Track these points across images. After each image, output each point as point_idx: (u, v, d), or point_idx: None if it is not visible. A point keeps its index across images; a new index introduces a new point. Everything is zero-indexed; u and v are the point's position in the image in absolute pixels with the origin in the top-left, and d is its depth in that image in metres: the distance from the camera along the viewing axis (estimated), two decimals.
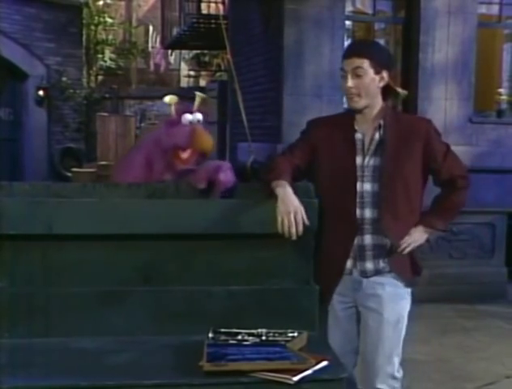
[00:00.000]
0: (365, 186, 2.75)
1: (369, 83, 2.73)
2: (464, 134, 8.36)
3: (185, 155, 2.89)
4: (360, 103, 2.75)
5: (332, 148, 2.79)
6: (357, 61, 2.72)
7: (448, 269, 6.58)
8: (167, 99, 2.98)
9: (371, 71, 2.72)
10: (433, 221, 2.86)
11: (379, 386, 2.80)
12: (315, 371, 2.19)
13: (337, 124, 2.87)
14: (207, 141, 2.94)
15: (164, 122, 3.08)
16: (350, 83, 2.74)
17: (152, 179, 2.93)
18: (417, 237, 2.81)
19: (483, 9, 8.92)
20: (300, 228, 2.51)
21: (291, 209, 2.51)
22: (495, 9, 9.01)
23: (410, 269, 2.85)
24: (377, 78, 2.74)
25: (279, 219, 2.51)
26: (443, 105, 8.43)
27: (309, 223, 2.53)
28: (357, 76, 2.72)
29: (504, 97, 9.39)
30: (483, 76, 8.83)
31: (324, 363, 2.24)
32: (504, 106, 9.40)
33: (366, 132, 2.79)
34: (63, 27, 13.87)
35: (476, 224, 6.76)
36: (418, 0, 8.35)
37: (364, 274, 2.79)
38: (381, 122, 2.77)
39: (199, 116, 2.95)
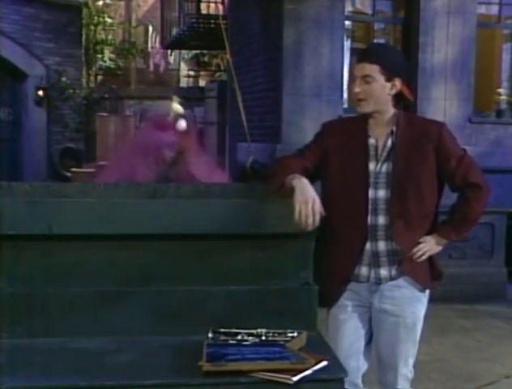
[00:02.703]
0: (379, 193, 2.72)
1: (378, 91, 2.68)
2: (463, 134, 8.36)
3: (168, 153, 3.48)
4: (366, 108, 2.72)
5: (345, 153, 2.75)
6: (367, 68, 2.67)
7: (447, 269, 6.50)
8: (176, 107, 3.41)
9: (382, 78, 2.67)
10: (449, 232, 2.80)
11: (396, 387, 2.82)
12: (315, 371, 2.19)
13: (351, 128, 2.81)
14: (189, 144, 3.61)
15: (152, 124, 3.51)
16: (357, 88, 2.70)
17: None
18: (433, 245, 2.77)
19: (482, 9, 8.93)
20: (318, 217, 2.48)
21: (309, 199, 2.47)
22: (494, 9, 9.02)
23: (428, 274, 2.82)
24: (388, 85, 2.69)
25: (297, 208, 2.46)
26: (442, 105, 8.44)
27: (325, 213, 2.51)
28: (366, 82, 2.67)
29: (503, 97, 9.40)
30: (482, 76, 8.84)
31: (323, 363, 2.24)
32: (503, 106, 9.41)
33: (379, 138, 2.75)
34: (63, 27, 13.86)
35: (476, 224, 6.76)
36: (417, 0, 8.37)
37: (379, 281, 2.77)
38: (394, 128, 2.73)
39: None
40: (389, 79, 2.69)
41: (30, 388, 2.19)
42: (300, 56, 8.13)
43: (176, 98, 3.74)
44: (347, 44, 8.55)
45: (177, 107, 3.58)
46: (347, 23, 8.62)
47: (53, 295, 2.54)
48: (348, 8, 8.64)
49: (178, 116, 3.54)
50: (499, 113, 9.14)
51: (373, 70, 2.67)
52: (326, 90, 8.16)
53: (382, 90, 2.69)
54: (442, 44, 8.41)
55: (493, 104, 9.37)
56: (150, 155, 3.44)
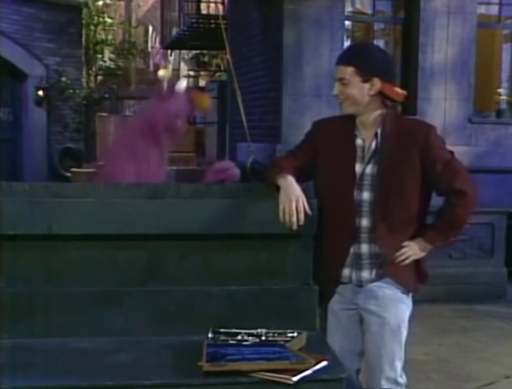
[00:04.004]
0: (363, 195, 2.69)
1: (355, 92, 2.66)
2: (464, 134, 8.37)
3: (180, 122, 3.20)
4: (349, 109, 2.71)
5: (334, 153, 2.74)
6: (342, 70, 2.67)
7: (447, 269, 6.56)
8: (161, 73, 3.28)
9: (357, 80, 2.65)
10: (435, 238, 2.75)
11: None
12: (314, 371, 2.20)
13: (340, 127, 2.79)
14: (206, 99, 3.48)
15: (154, 98, 3.32)
16: (335, 90, 2.71)
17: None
18: (416, 250, 2.73)
19: (482, 9, 8.93)
20: (302, 216, 2.49)
21: (292, 197, 2.50)
22: (494, 9, 9.02)
23: (412, 277, 2.78)
24: (365, 86, 2.65)
25: (281, 207, 2.50)
26: (442, 106, 8.44)
27: (310, 212, 2.52)
28: (343, 84, 2.68)
29: (503, 97, 9.40)
30: (482, 76, 8.84)
31: (323, 363, 2.24)
32: (503, 106, 9.40)
33: (366, 138, 2.73)
34: (62, 27, 13.85)
35: (476, 224, 6.74)
36: (417, 0, 8.36)
37: (360, 283, 2.75)
38: (379, 131, 2.70)
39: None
40: (366, 80, 2.66)
41: (30, 388, 2.19)
42: (300, 56, 8.13)
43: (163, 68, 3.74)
44: (347, 44, 8.54)
45: (163, 73, 3.55)
46: (347, 23, 8.61)
47: (53, 295, 2.55)
48: (348, 8, 8.63)
49: (171, 81, 3.49)
50: (499, 113, 9.13)
51: (348, 72, 2.66)
52: (325, 90, 8.14)
53: (360, 91, 2.67)
54: (442, 44, 8.41)
55: (493, 104, 9.36)
56: (157, 131, 3.25)
